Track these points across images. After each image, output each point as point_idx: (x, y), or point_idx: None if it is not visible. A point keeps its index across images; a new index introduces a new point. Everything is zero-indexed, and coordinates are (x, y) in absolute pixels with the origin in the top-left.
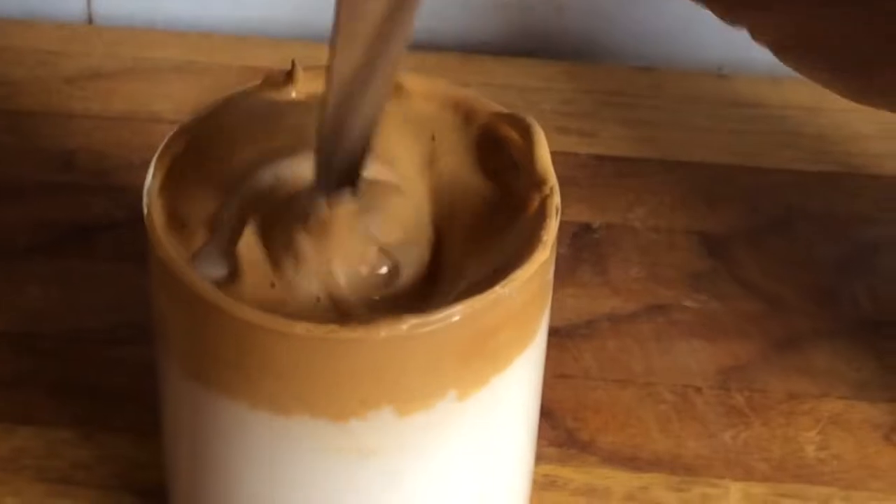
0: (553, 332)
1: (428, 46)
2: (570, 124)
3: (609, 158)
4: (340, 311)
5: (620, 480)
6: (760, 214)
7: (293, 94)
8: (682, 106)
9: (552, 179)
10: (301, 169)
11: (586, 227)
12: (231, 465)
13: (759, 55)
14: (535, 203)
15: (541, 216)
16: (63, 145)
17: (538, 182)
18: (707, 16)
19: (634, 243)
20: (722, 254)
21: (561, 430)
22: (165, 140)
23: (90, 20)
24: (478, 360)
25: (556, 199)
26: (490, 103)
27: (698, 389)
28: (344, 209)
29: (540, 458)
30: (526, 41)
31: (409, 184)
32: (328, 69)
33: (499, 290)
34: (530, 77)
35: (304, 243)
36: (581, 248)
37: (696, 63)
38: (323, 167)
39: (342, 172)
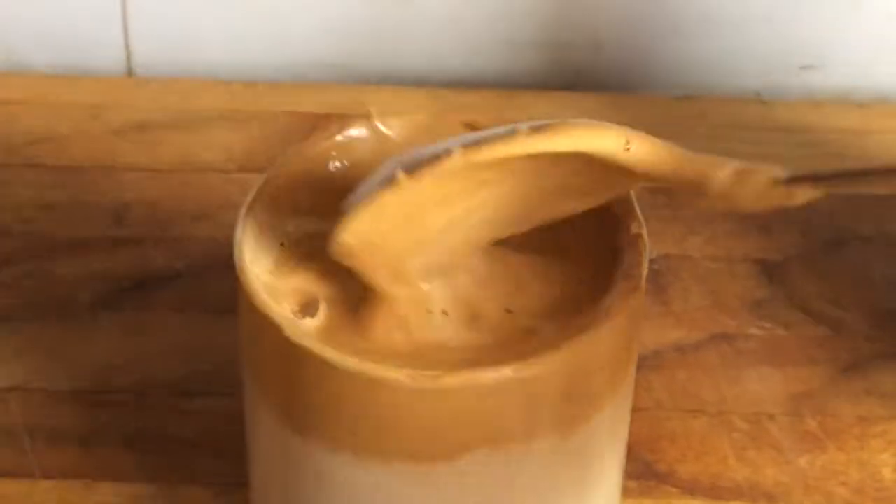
0: None
1: (469, 83)
2: None
3: (661, 189)
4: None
5: None
6: (814, 239)
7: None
8: (725, 133)
9: (638, 216)
10: None
11: None
12: None
13: (796, 80)
14: (623, 241)
15: (631, 253)
16: (116, 199)
17: (624, 220)
18: (742, 42)
19: (693, 273)
20: (781, 280)
21: (639, 463)
22: (251, 194)
23: (130, 73)
24: (577, 400)
25: (644, 236)
26: None
27: (771, 416)
28: None
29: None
30: (564, 76)
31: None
32: None
33: (597, 332)
34: (574, 111)
35: None
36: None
37: (734, 90)
38: None
39: None
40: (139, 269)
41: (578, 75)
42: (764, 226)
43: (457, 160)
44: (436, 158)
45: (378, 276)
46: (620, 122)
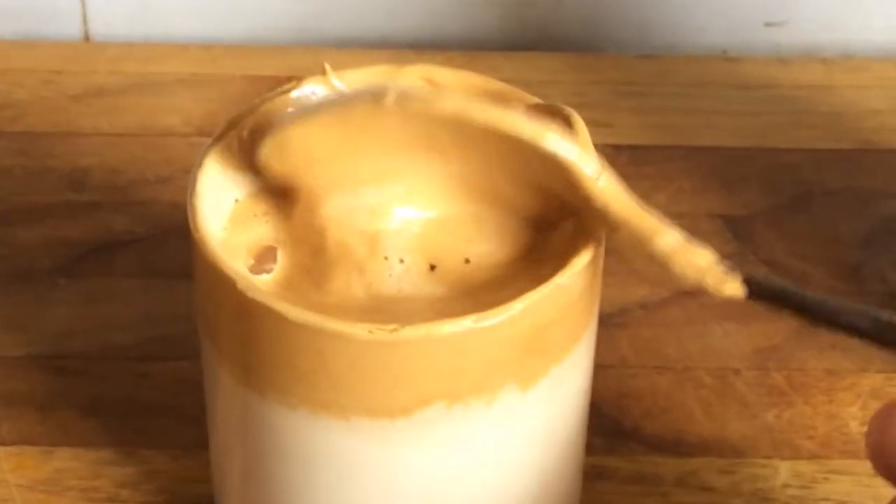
0: None
1: (430, 46)
2: (583, 115)
3: (625, 147)
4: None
5: (669, 467)
6: (780, 194)
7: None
8: (691, 91)
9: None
10: None
11: None
12: (287, 472)
13: (762, 36)
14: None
15: None
16: (75, 164)
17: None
18: (707, 1)
19: None
20: (746, 236)
21: (605, 420)
22: (204, 151)
23: (87, 39)
24: (538, 352)
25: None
26: (525, 95)
27: (736, 371)
28: None
29: (586, 448)
30: (526, 36)
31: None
32: None
33: (557, 281)
34: (537, 71)
35: None
36: (606, 238)
37: (700, 48)
38: None
39: None
40: (99, 235)
41: (541, 35)
42: (728, 181)
43: (453, 104)
44: (432, 96)
45: (294, 194)
46: (584, 82)
